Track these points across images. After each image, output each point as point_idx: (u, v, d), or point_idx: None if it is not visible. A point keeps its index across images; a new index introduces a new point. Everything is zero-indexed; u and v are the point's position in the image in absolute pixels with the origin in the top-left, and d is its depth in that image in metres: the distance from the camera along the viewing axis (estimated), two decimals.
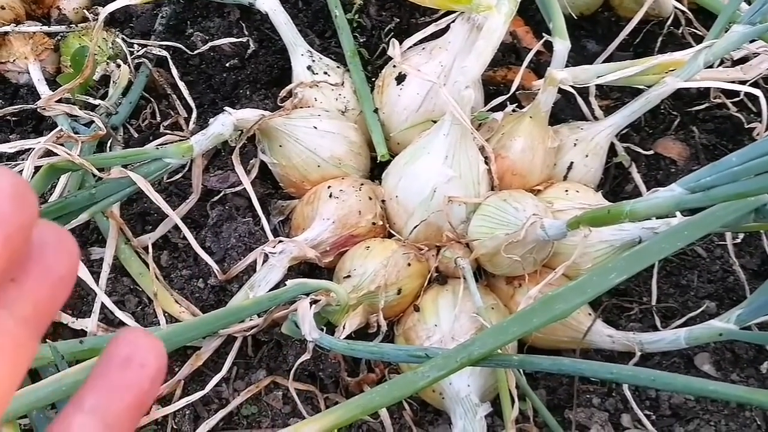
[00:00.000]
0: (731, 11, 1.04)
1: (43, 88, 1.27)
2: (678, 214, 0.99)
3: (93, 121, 1.15)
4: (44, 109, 1.17)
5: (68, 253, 0.37)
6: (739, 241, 1.13)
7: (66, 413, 0.37)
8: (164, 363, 0.39)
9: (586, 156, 1.10)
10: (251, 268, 1.04)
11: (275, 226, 1.13)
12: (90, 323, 1.03)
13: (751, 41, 1.10)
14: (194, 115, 1.24)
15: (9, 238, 0.33)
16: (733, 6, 1.04)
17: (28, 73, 1.29)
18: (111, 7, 1.22)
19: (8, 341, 0.34)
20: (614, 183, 1.19)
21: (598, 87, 1.20)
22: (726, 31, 1.03)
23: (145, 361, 0.38)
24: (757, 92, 1.13)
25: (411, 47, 1.15)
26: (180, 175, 1.18)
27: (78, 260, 0.37)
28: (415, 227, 1.04)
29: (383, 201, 1.08)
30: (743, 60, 1.22)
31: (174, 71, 1.26)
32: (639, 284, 1.11)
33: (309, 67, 1.18)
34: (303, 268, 1.09)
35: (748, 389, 0.80)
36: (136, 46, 1.29)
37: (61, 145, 1.06)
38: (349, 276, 1.00)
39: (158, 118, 1.26)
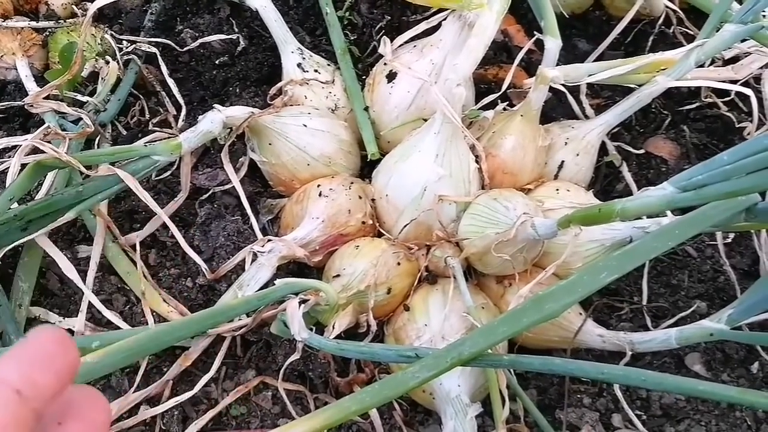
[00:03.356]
0: (723, 10, 1.04)
1: (30, 85, 1.26)
2: (669, 213, 0.99)
3: (81, 118, 1.14)
4: (32, 105, 1.16)
5: (102, 408, 0.47)
6: (729, 241, 1.14)
7: None
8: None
9: (577, 155, 1.09)
10: (240, 267, 1.04)
11: (264, 225, 1.13)
12: (77, 322, 1.02)
13: (743, 40, 1.10)
14: (183, 112, 1.23)
15: (59, 374, 0.43)
16: (725, 5, 1.04)
17: (16, 70, 1.29)
18: (100, 3, 1.22)
19: None
20: (605, 182, 1.19)
21: (589, 86, 1.20)
22: (717, 31, 1.03)
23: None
24: (748, 92, 1.14)
25: (402, 45, 1.15)
26: (168, 173, 1.17)
27: (110, 414, 0.47)
28: (405, 226, 1.03)
29: (373, 200, 1.07)
30: (734, 59, 1.23)
31: (163, 68, 1.25)
32: (630, 284, 1.11)
33: (299, 65, 1.17)
34: (292, 268, 1.09)
35: (738, 389, 0.80)
36: (125, 42, 1.29)
37: (49, 142, 1.05)
38: (338, 275, 0.99)
39: (147, 116, 1.25)
